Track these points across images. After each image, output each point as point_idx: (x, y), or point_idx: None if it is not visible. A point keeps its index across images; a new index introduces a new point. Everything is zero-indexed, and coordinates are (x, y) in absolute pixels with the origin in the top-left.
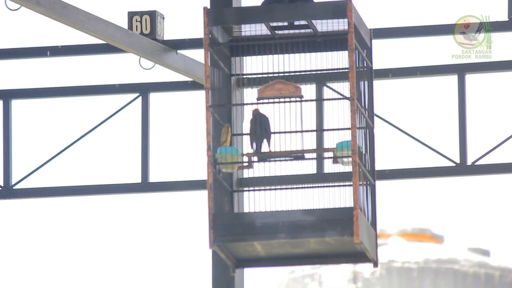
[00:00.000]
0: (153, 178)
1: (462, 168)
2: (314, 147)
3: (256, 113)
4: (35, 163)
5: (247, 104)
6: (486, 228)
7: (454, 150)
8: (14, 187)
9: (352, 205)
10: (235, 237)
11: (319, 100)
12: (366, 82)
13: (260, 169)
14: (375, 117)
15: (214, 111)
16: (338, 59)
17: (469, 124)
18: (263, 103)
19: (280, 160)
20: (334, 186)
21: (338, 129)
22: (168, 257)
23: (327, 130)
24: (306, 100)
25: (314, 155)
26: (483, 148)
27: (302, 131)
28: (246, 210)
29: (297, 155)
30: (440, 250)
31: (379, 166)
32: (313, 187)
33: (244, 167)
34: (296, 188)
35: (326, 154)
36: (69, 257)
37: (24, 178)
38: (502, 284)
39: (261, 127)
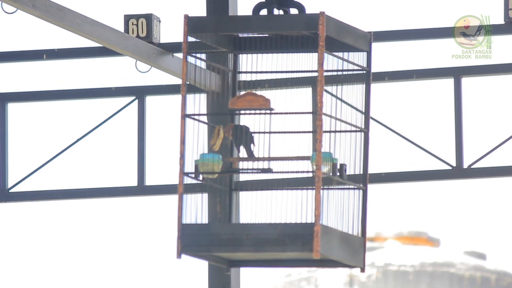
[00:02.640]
0: (149, 181)
1: (458, 172)
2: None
3: (233, 126)
4: (31, 166)
5: (220, 113)
6: (482, 231)
7: (450, 153)
8: (10, 190)
9: (313, 221)
10: (201, 247)
11: (288, 113)
12: (363, 85)
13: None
14: (371, 120)
15: (210, 117)
16: (333, 62)
17: (465, 128)
18: (235, 113)
19: (247, 172)
20: (300, 189)
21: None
22: (164, 259)
23: (292, 132)
24: (275, 113)
25: (286, 167)
26: (480, 151)
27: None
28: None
29: (265, 169)
30: (436, 253)
31: (375, 169)
32: (281, 189)
33: (226, 173)
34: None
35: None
36: (65, 260)
37: (20, 181)
38: (498, 287)
39: (246, 134)
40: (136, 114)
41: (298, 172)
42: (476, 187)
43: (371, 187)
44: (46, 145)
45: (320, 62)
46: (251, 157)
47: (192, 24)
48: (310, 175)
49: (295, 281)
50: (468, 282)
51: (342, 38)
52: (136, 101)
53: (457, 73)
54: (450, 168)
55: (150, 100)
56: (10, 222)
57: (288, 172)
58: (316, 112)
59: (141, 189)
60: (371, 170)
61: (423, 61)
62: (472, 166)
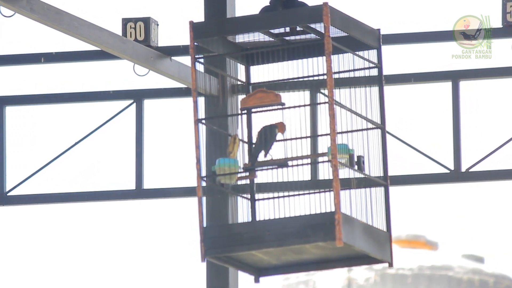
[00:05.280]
0: (147, 184)
1: (456, 175)
2: (305, 153)
3: (265, 126)
4: (29, 170)
5: (233, 115)
6: (480, 235)
7: (448, 157)
8: (8, 194)
9: (334, 210)
10: (224, 249)
11: (300, 106)
12: (374, 85)
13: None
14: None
15: (211, 121)
16: (343, 63)
17: (463, 131)
18: (245, 113)
19: (263, 169)
20: (318, 192)
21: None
22: (162, 263)
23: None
24: (287, 108)
25: (303, 161)
26: (477, 154)
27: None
28: (240, 219)
29: (281, 163)
30: (434, 256)
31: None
32: (300, 194)
33: (243, 178)
34: (287, 196)
35: (320, 159)
36: (63, 264)
37: (18, 184)
38: None
39: (264, 139)
40: (134, 117)
41: (314, 163)
42: (474, 190)
43: (372, 190)
44: (44, 148)
45: (328, 53)
46: (267, 155)
47: (197, 29)
48: (327, 164)
49: (293, 284)
50: (466, 285)
51: (349, 31)
52: (134, 104)
53: (455, 77)
54: (448, 171)
55: (148, 103)
56: (8, 226)
57: (304, 164)
58: (329, 102)
59: (139, 192)
60: (373, 173)
61: (421, 64)
62: (470, 170)
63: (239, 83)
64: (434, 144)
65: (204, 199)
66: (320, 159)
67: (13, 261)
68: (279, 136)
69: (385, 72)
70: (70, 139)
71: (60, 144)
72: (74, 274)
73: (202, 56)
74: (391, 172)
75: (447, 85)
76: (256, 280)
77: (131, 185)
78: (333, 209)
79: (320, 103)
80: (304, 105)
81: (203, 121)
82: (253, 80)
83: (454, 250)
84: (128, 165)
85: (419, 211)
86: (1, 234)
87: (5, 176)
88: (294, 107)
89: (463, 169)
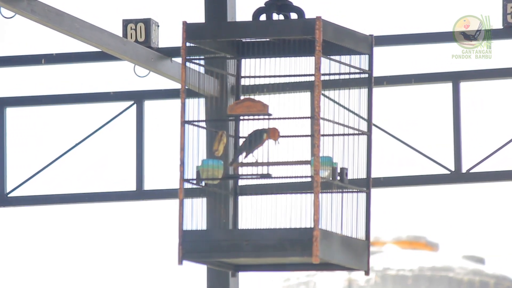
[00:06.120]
0: (148, 185)
1: (457, 176)
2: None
3: (256, 130)
4: (29, 171)
5: (218, 119)
6: (481, 236)
7: (449, 158)
8: (8, 195)
9: (313, 226)
10: (202, 254)
11: (286, 118)
12: (364, 89)
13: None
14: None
15: (209, 123)
16: (334, 66)
17: (464, 132)
18: (231, 119)
19: (247, 178)
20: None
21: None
22: (163, 264)
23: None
24: (272, 118)
25: (285, 172)
26: (478, 155)
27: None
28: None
29: (263, 174)
30: (435, 257)
31: (373, 174)
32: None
33: (226, 179)
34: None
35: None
36: (64, 265)
37: (19, 186)
38: None
39: (249, 141)
40: (134, 118)
41: (297, 177)
42: (475, 191)
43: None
44: (44, 149)
45: (317, 67)
46: (250, 155)
47: (190, 30)
48: (309, 179)
49: (293, 285)
50: (467, 286)
51: (341, 42)
52: (135, 105)
53: (455, 78)
54: (449, 172)
55: (148, 104)
56: (9, 227)
57: (287, 177)
58: (314, 117)
59: (140, 193)
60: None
61: (421, 65)
62: (471, 171)
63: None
64: (434, 145)
65: (190, 201)
66: (302, 172)
67: (13, 262)
68: (271, 143)
69: (386, 73)
70: (71, 140)
71: (60, 145)
72: (75, 275)
73: (203, 57)
74: (391, 173)
75: (448, 86)
76: (233, 275)
77: (132, 186)
78: (311, 224)
79: (306, 117)
80: (290, 118)
81: (195, 123)
82: (245, 79)
83: (455, 251)
84: (129, 166)
85: (419, 212)
86: (1, 235)
87: (6, 177)
88: (279, 118)
89: (464, 170)
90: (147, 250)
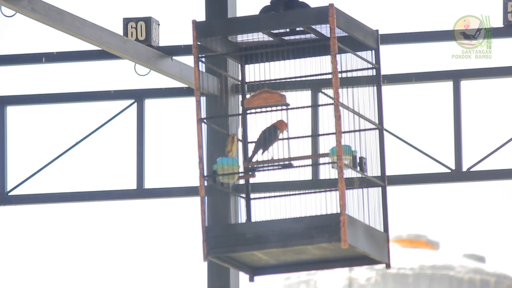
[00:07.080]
0: (148, 184)
1: (457, 174)
2: (307, 154)
3: (269, 126)
4: (30, 170)
5: (235, 115)
6: (481, 234)
7: (450, 156)
8: (9, 194)
9: (339, 211)
10: (227, 248)
11: (304, 107)
12: (372, 85)
13: (256, 178)
14: (370, 123)
15: (211, 121)
16: (342, 63)
17: (464, 131)
18: (250, 113)
19: (268, 169)
20: (322, 191)
21: (324, 134)
22: (163, 263)
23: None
24: (291, 108)
25: (306, 162)
26: (479, 154)
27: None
28: (243, 219)
29: (285, 164)
30: (435, 256)
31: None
32: (304, 193)
33: (243, 177)
34: (290, 195)
35: (321, 160)
36: (64, 264)
37: (20, 184)
38: None
39: (264, 138)
40: (135, 117)
41: (318, 164)
42: (475, 190)
43: (370, 191)
44: (45, 148)
45: (333, 54)
46: (248, 161)
47: (200, 29)
48: (331, 164)
49: (294, 284)
50: (468, 285)
51: (352, 32)
52: (135, 104)
53: (456, 76)
54: (449, 171)
55: (149, 103)
56: (9, 225)
57: (307, 166)
58: (334, 104)
59: (140, 192)
60: (370, 173)
61: (422, 64)
62: (471, 169)
63: (237, 82)
64: (435, 143)
65: (205, 198)
66: (323, 160)
67: (14, 260)
68: (280, 134)
69: (387, 71)
70: (71, 139)
71: (61, 144)
72: (75, 274)
73: (203, 55)
74: (392, 172)
75: (448, 85)
76: (251, 279)
77: (132, 185)
78: (336, 210)
79: (325, 104)
80: (310, 106)
81: (205, 120)
82: (251, 79)
83: (455, 249)
84: (129, 165)
85: (420, 211)
86: (2, 234)
87: (6, 175)
88: (298, 108)
89: (464, 169)
90: (148, 249)
